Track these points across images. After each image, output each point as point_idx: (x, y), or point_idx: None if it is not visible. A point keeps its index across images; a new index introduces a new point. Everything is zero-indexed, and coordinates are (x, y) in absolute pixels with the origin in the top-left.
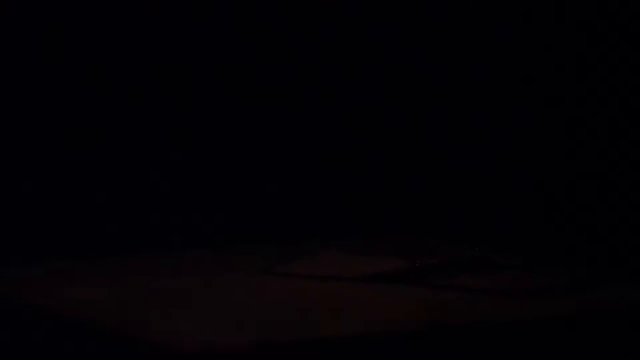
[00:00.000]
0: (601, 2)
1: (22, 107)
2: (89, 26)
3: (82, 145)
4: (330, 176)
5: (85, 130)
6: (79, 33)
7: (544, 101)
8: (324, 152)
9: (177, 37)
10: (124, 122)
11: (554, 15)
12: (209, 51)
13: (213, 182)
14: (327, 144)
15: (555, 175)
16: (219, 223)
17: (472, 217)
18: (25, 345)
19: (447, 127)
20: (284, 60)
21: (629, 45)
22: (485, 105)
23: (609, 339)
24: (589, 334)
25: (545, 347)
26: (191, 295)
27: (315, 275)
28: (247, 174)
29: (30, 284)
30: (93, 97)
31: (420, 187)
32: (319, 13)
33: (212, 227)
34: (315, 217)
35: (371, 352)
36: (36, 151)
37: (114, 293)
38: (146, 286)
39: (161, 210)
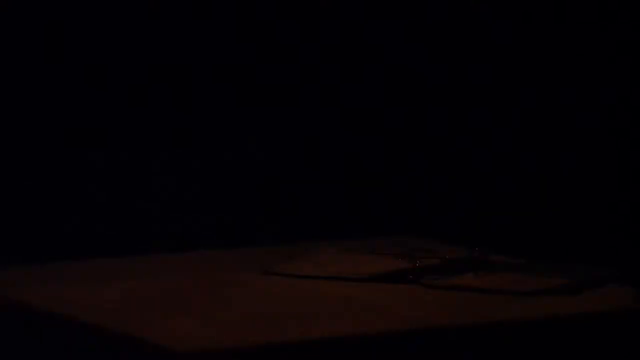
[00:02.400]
0: (601, 1)
1: (22, 107)
2: (89, 26)
3: (82, 145)
4: (330, 176)
5: (85, 130)
6: (79, 33)
7: (544, 101)
8: (324, 152)
9: (177, 37)
10: (124, 122)
11: (554, 15)
12: (209, 51)
13: (213, 182)
14: (327, 144)
15: (555, 174)
16: (217, 223)
17: (472, 217)
18: (23, 345)
19: (447, 127)
20: (284, 60)
21: (630, 45)
22: (485, 105)
23: (608, 340)
24: (589, 334)
25: (545, 347)
26: (191, 295)
27: (314, 275)
28: (247, 173)
29: (28, 284)
30: (93, 97)
31: (421, 187)
32: (319, 13)
33: (211, 227)
34: (315, 217)
35: (369, 352)
36: (36, 151)
37: (112, 293)
38: (145, 286)
39: (160, 210)
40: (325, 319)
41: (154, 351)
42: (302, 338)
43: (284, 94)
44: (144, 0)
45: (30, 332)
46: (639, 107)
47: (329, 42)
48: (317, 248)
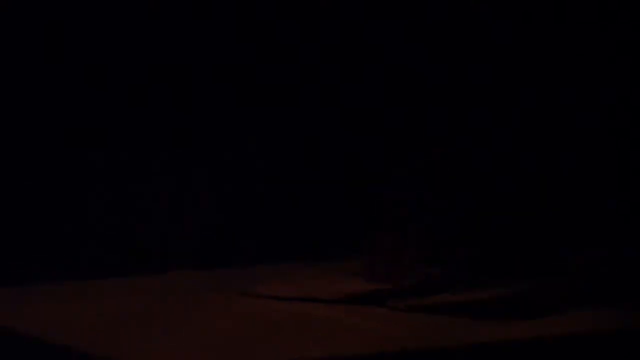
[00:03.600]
0: (601, 1)
1: (22, 107)
2: (89, 26)
3: (82, 145)
4: (330, 176)
5: (85, 130)
6: (79, 33)
7: (544, 101)
8: (324, 152)
9: (177, 37)
10: (124, 122)
11: (554, 15)
12: (209, 51)
13: (213, 182)
14: (327, 144)
15: (555, 174)
16: (217, 224)
17: (472, 218)
18: None
19: (447, 127)
20: (284, 60)
21: (630, 45)
22: (485, 105)
23: None
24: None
25: None
26: (169, 317)
27: (290, 296)
28: (247, 173)
29: (6, 304)
30: (93, 97)
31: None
32: (319, 13)
33: (211, 228)
34: (313, 223)
35: None
36: (36, 151)
37: (85, 313)
38: (120, 307)
39: (159, 211)
40: (295, 341)
41: None
42: None
43: (284, 94)
44: (144, 0)
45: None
46: (639, 107)
47: (329, 42)
48: (299, 269)
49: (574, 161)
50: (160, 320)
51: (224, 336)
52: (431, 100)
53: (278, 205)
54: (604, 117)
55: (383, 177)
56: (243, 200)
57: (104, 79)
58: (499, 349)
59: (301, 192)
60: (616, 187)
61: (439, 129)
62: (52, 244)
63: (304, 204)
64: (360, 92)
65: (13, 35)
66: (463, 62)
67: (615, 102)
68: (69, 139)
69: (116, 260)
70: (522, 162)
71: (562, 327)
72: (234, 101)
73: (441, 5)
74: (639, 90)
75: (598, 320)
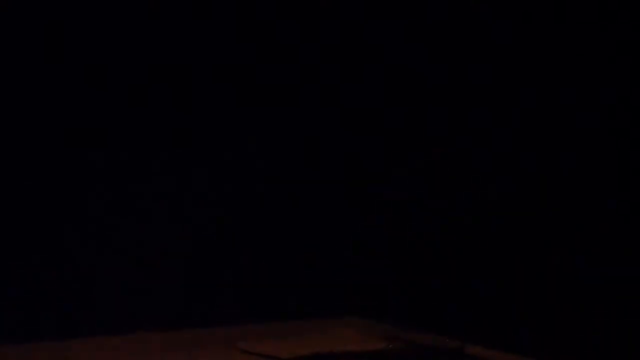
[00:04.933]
0: (601, 1)
1: (22, 107)
2: (89, 26)
3: (82, 145)
4: (330, 176)
5: (85, 130)
6: (79, 33)
7: (544, 101)
8: (324, 152)
9: (177, 37)
10: (124, 122)
11: (554, 15)
12: (209, 51)
13: (213, 182)
14: (327, 144)
15: (555, 174)
16: (217, 224)
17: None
18: None
19: (447, 127)
20: (284, 60)
21: (630, 45)
22: (485, 105)
23: None
24: None
25: None
26: None
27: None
28: (247, 173)
29: None
30: (93, 97)
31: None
32: (319, 13)
33: (211, 227)
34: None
35: None
36: (36, 151)
37: None
38: None
39: (159, 211)
40: None
41: None
42: None
43: (284, 94)
44: (144, 0)
45: None
46: (639, 107)
47: (329, 42)
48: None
49: (574, 161)
50: None
51: None
52: (431, 100)
53: (278, 206)
54: (604, 117)
55: (383, 177)
56: (243, 200)
57: (104, 79)
58: None
59: (301, 192)
60: (616, 187)
61: (439, 129)
62: (52, 244)
63: (304, 204)
64: (360, 92)
65: (13, 35)
66: (463, 62)
67: (615, 102)
68: (69, 139)
69: (116, 261)
70: (522, 162)
71: None
72: (234, 101)
73: (441, 5)
74: (639, 90)
75: None
